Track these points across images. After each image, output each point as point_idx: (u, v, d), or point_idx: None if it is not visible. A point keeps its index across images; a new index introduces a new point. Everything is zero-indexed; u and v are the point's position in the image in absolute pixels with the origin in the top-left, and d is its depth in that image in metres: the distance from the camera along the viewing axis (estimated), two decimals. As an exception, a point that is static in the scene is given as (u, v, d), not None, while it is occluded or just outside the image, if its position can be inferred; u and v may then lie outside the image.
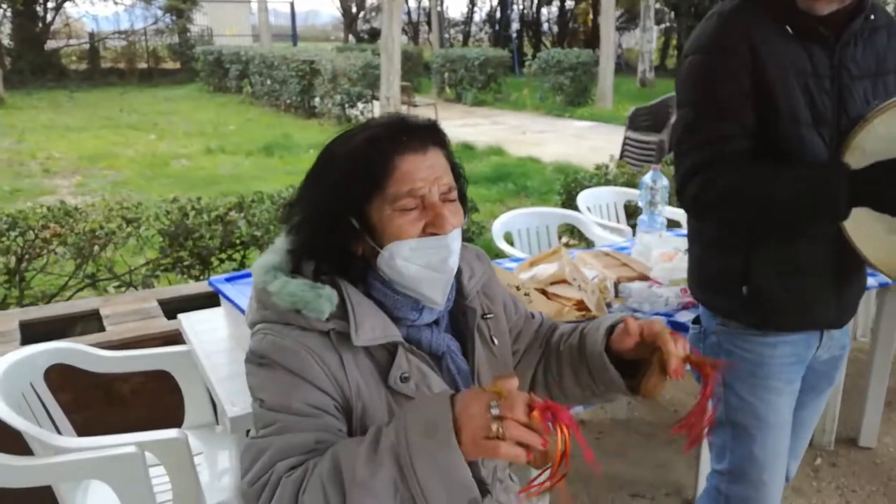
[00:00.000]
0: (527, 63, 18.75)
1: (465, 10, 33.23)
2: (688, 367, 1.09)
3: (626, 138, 8.88)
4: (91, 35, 23.53)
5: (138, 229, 3.60)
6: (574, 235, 4.43)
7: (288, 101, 15.06)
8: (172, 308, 2.82)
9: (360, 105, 13.45)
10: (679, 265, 2.39)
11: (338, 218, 1.10)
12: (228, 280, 2.16)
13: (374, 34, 29.73)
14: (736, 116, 1.50)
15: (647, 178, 2.83)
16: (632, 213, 4.21)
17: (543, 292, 2.23)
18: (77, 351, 2.05)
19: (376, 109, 12.91)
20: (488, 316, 1.27)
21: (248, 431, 1.88)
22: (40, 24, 21.14)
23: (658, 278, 2.41)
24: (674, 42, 25.54)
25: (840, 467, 2.82)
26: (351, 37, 31.94)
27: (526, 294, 2.15)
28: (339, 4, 32.59)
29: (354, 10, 32.89)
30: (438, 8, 25.08)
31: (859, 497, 2.65)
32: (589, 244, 3.80)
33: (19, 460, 1.57)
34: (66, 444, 1.68)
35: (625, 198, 4.06)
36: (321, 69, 13.74)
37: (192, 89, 19.23)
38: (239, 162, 9.87)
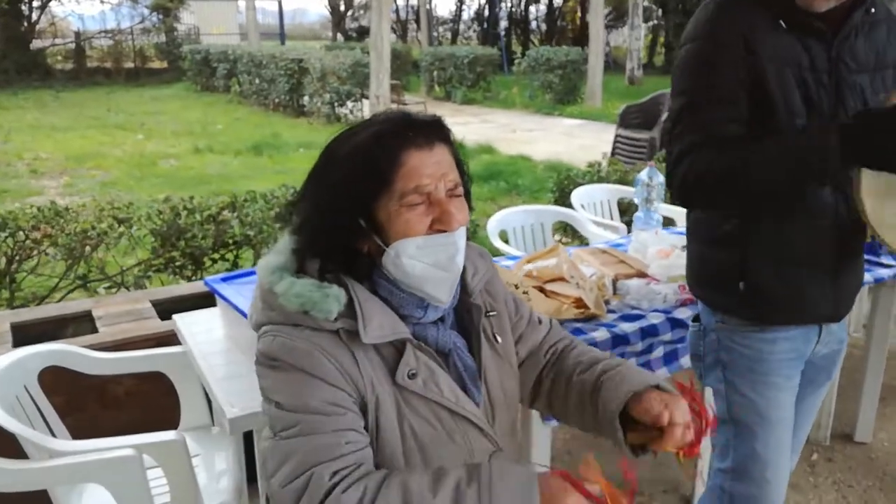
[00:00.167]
0: (516, 61, 18.77)
1: (454, 7, 33.23)
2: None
3: (617, 136, 8.90)
4: (77, 34, 23.35)
5: (130, 229, 3.56)
6: (567, 233, 4.43)
7: (277, 100, 15.00)
8: (165, 309, 2.79)
9: (349, 104, 13.44)
10: (676, 262, 2.39)
11: (343, 216, 1.09)
12: (224, 280, 2.13)
13: (363, 32, 29.70)
14: (730, 104, 1.48)
15: (643, 175, 2.83)
16: (625, 210, 4.21)
17: (542, 290, 2.22)
18: (71, 353, 2.03)
19: (366, 108, 12.89)
20: (491, 314, 1.26)
21: (249, 433, 1.87)
22: (25, 24, 20.98)
23: (656, 275, 2.40)
24: (661, 40, 25.64)
25: (836, 462, 2.83)
26: (339, 35, 31.87)
27: (525, 292, 2.14)
28: (327, 3, 32.61)
29: (343, 8, 32.84)
30: (427, 6, 25.04)
31: (856, 492, 2.66)
32: (583, 242, 3.80)
33: (15, 464, 1.55)
34: (63, 448, 1.65)
35: (618, 195, 4.06)
36: (310, 68, 13.70)
37: (180, 88, 19.12)
38: (228, 161, 9.82)
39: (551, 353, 1.36)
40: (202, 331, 2.12)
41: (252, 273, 2.19)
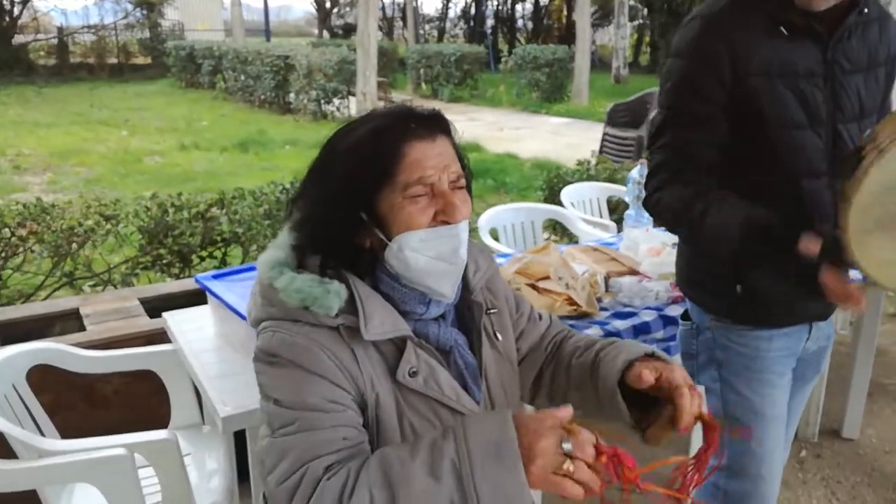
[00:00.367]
0: (503, 59, 18.78)
1: (440, 5, 33.22)
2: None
3: (604, 134, 8.92)
4: (60, 29, 23.12)
5: (117, 226, 3.52)
6: (557, 231, 4.43)
7: (262, 97, 14.92)
8: (154, 307, 2.77)
9: (336, 101, 13.40)
10: (667, 259, 2.40)
11: (345, 211, 1.08)
12: (216, 277, 2.11)
13: (349, 29, 29.60)
14: (705, 128, 1.51)
15: (633, 173, 2.83)
16: (614, 208, 4.22)
17: (534, 287, 2.22)
18: (60, 351, 2.00)
19: (353, 105, 12.84)
20: (492, 311, 1.25)
21: (240, 431, 1.85)
22: (7, 19, 20.72)
23: (647, 272, 2.41)
24: (647, 39, 25.74)
25: (825, 459, 2.85)
26: (325, 32, 31.74)
27: (517, 289, 2.13)
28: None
29: (328, 4, 32.71)
30: (413, 3, 24.99)
31: (844, 488, 2.68)
32: (573, 239, 3.81)
33: (4, 464, 1.53)
34: (53, 447, 1.63)
35: (607, 193, 4.07)
36: (296, 64, 13.63)
37: (164, 85, 18.97)
38: (213, 158, 9.75)
39: (551, 347, 1.36)
40: (193, 328, 2.11)
41: (244, 270, 2.17)
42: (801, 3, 1.44)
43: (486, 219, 3.40)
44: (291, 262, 1.12)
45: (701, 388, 1.77)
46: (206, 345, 2.01)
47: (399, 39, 29.56)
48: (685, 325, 1.79)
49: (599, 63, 22.73)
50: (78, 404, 2.43)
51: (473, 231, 3.52)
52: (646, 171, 2.77)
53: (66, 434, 1.94)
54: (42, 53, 21.90)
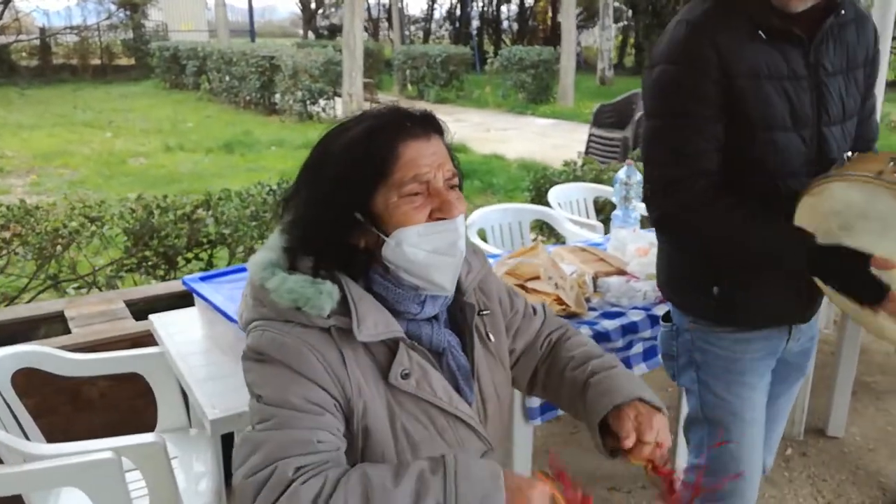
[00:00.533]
0: (489, 60, 18.80)
1: (426, 6, 33.17)
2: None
3: (590, 135, 8.95)
4: (42, 30, 22.92)
5: (102, 228, 3.50)
6: (545, 232, 4.44)
7: (248, 98, 14.87)
8: (140, 309, 2.75)
9: (321, 102, 13.39)
10: (654, 260, 2.40)
11: (339, 211, 1.07)
12: (203, 279, 2.10)
13: (334, 30, 29.54)
14: (705, 131, 1.48)
15: (621, 174, 2.85)
16: (601, 208, 4.24)
17: (523, 287, 2.22)
18: (46, 354, 1.98)
19: (338, 106, 12.82)
20: (484, 312, 1.25)
21: (227, 434, 1.84)
22: (-12, 20, 20.55)
23: (635, 273, 2.42)
24: (632, 40, 25.84)
25: (810, 457, 2.87)
26: (310, 33, 31.65)
27: (506, 290, 2.13)
28: (297, 0, 32.30)
29: (313, 5, 32.62)
30: (399, 4, 24.96)
31: (829, 486, 2.70)
32: (560, 240, 3.82)
33: (-10, 469, 1.51)
34: (39, 451, 1.61)
35: (594, 194, 4.08)
36: (282, 65, 13.60)
37: (148, 86, 18.86)
38: (199, 160, 9.71)
39: (546, 344, 1.36)
40: (179, 331, 2.09)
41: (231, 272, 2.16)
42: (779, 3, 1.44)
43: (474, 219, 3.40)
44: (283, 263, 1.11)
45: (681, 389, 1.79)
46: (194, 347, 2.00)
47: (385, 40, 29.51)
48: (666, 326, 1.80)
49: (585, 64, 22.83)
50: (63, 408, 2.41)
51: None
52: (633, 172, 2.84)
53: (51, 438, 1.92)
54: (24, 55, 21.68)
